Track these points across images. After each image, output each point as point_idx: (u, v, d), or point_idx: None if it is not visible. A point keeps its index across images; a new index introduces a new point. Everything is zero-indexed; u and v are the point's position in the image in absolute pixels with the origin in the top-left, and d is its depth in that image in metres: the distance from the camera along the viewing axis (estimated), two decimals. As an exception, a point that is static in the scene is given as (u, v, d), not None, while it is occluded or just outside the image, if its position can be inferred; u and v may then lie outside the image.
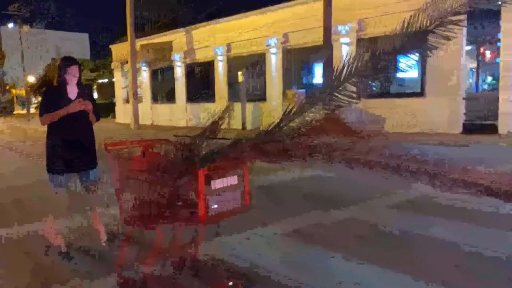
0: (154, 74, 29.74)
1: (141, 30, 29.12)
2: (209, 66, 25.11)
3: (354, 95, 2.79)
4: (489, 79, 19.11)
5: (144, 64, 29.01)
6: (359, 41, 18.07)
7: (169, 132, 17.54)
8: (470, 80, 19.91)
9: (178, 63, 26.97)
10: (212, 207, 3.11)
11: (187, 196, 3.40)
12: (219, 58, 24.20)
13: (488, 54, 18.69)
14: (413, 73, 16.51)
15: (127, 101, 30.55)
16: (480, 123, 15.74)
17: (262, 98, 22.08)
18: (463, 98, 16.01)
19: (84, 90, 5.08)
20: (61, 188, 4.93)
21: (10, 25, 50.51)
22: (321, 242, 4.95)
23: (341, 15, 17.50)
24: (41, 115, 4.83)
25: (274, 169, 8.61)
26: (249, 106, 21.52)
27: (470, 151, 11.58)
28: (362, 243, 4.96)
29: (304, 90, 19.54)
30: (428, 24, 2.51)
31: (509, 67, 15.12)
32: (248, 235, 5.18)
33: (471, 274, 4.05)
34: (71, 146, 4.82)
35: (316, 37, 17.65)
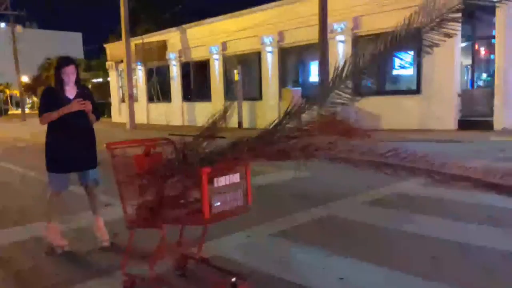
0: (149, 73, 29.68)
1: (136, 29, 29.13)
2: (205, 65, 25.08)
3: (351, 96, 2.84)
4: (484, 75, 19.14)
5: (139, 63, 28.97)
6: (355, 38, 18.10)
7: (166, 132, 17.60)
8: (465, 77, 19.98)
9: (174, 62, 26.93)
10: (215, 204, 3.14)
11: (190, 195, 3.46)
12: (215, 56, 24.19)
13: (482, 51, 18.75)
14: (409, 70, 16.61)
15: (123, 101, 30.48)
16: (476, 119, 15.84)
17: (258, 96, 22.14)
18: (458, 95, 16.13)
19: (84, 90, 5.10)
20: (60, 190, 4.97)
21: (2, 24, 50.13)
22: (303, 240, 5.01)
23: (337, 12, 17.54)
24: (40, 115, 4.86)
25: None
26: (245, 105, 21.53)
27: (463, 147, 11.66)
28: (342, 239, 5.06)
29: (300, 88, 19.56)
30: (428, 21, 2.56)
31: (504, 64, 15.26)
32: (236, 236, 5.19)
33: (447, 265, 4.19)
34: (70, 145, 4.83)
35: (311, 35, 17.67)
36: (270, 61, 21.52)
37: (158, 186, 3.36)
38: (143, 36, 28.67)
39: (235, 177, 3.26)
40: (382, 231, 5.27)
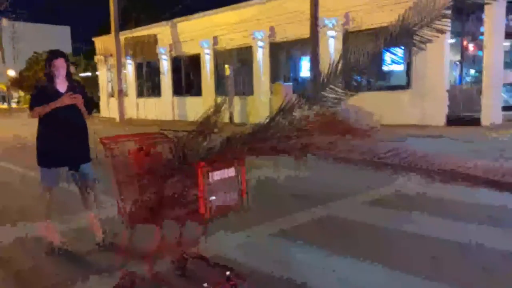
0: (139, 67, 29.52)
1: (125, 23, 28.94)
2: (195, 59, 24.92)
3: (343, 94, 2.87)
4: (472, 71, 19.29)
5: (129, 57, 28.75)
6: (346, 34, 18.15)
7: (156, 127, 17.50)
8: (454, 73, 20.11)
9: (164, 57, 26.75)
10: (211, 198, 3.15)
11: (190, 195, 3.46)
12: (206, 51, 24.06)
13: (471, 47, 18.87)
14: (399, 66, 16.66)
15: (112, 95, 30.31)
16: (464, 115, 16.01)
17: (249, 91, 22.10)
18: (447, 91, 16.26)
19: (75, 84, 5.07)
20: (51, 186, 4.96)
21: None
22: (303, 240, 5.03)
23: (328, 8, 17.55)
24: (30, 109, 4.86)
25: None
26: (237, 100, 21.52)
27: (459, 144, 11.74)
28: (342, 239, 5.10)
29: (291, 83, 19.58)
30: (422, 18, 2.58)
31: (492, 60, 15.42)
32: (236, 236, 5.22)
33: (447, 265, 4.24)
34: (61, 139, 4.81)
35: (303, 30, 17.69)
36: (261, 56, 21.48)
37: (158, 186, 3.37)
38: (133, 30, 28.50)
39: (230, 172, 3.29)
40: (382, 231, 5.31)
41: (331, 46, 18.39)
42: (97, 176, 5.14)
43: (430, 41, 2.60)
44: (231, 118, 20.62)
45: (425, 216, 5.81)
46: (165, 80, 27.06)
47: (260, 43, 21.32)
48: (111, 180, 3.58)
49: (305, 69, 20.27)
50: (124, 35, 27.14)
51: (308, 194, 7.13)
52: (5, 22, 45.78)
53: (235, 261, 4.36)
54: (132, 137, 3.75)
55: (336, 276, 4.09)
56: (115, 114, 26.24)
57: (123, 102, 25.67)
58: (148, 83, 28.65)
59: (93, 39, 33.33)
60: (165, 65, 26.93)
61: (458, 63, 19.13)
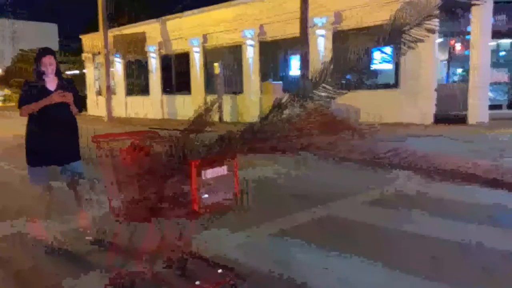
0: (128, 65, 29.34)
1: (113, 20, 28.73)
2: (185, 57, 24.85)
3: (335, 93, 2.91)
4: (459, 70, 19.46)
5: (117, 55, 28.53)
6: (336, 33, 18.22)
7: (145, 125, 17.46)
8: (441, 72, 20.28)
9: (153, 55, 26.61)
10: (203, 196, 3.19)
11: (179, 188, 3.46)
12: (195, 49, 24.00)
13: (458, 46, 19.04)
14: (387, 65, 16.60)
15: (100, 93, 30.11)
16: (451, 113, 16.20)
17: (239, 90, 22.09)
18: (434, 89, 16.43)
19: (65, 82, 5.08)
20: (41, 184, 4.96)
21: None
22: (304, 240, 5.06)
23: (318, 7, 17.61)
24: (19, 106, 4.85)
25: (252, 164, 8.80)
26: (226, 98, 21.47)
27: (455, 143, 11.88)
28: (342, 239, 5.13)
29: (280, 82, 19.62)
30: (414, 18, 2.62)
31: (479, 60, 15.62)
32: (236, 236, 5.24)
33: (447, 265, 4.28)
34: (50, 137, 4.81)
35: (292, 29, 17.71)
36: (251, 55, 21.48)
37: (148, 182, 3.38)
38: (121, 27, 28.31)
39: (223, 169, 3.32)
40: (382, 231, 5.35)
41: (321, 45, 18.47)
42: (81, 170, 5.14)
43: (421, 40, 2.64)
44: (220, 117, 20.57)
45: (425, 216, 5.83)
46: (154, 78, 26.90)
47: (250, 42, 21.33)
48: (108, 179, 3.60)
49: (294, 68, 20.30)
50: (113, 32, 26.95)
51: (308, 194, 7.15)
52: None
53: (235, 261, 4.38)
54: (125, 136, 3.78)
55: (336, 276, 4.13)
56: (103, 113, 26.06)
57: (111, 100, 25.50)
58: (137, 81, 28.47)
59: (80, 36, 33.00)
60: (154, 63, 26.77)
61: (445, 62, 19.31)
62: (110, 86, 25.82)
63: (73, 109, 4.95)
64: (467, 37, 16.56)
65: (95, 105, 31.31)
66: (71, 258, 4.78)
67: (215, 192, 3.30)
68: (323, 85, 2.91)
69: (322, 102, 2.93)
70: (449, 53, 18.54)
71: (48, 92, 4.80)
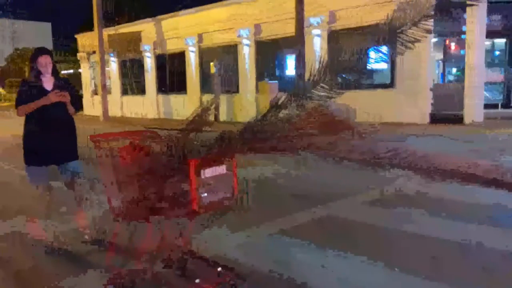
0: (123, 65, 29.26)
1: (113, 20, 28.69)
2: (180, 57, 24.76)
3: (333, 92, 2.92)
4: (454, 70, 19.53)
5: (112, 55, 28.43)
6: (331, 33, 18.23)
7: (141, 125, 17.43)
8: (437, 72, 20.34)
9: (148, 54, 26.50)
10: (203, 195, 3.20)
11: (178, 188, 3.47)
12: (191, 48, 23.91)
13: (453, 46, 19.10)
14: (383, 65, 16.72)
15: (95, 93, 30.00)
16: (447, 113, 16.25)
17: (235, 89, 22.06)
18: (430, 89, 16.47)
19: (62, 81, 5.08)
20: (40, 183, 4.95)
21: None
22: (303, 240, 5.07)
23: (313, 6, 17.61)
24: (16, 106, 4.85)
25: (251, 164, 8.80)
26: (222, 98, 21.44)
27: (454, 142, 11.89)
28: (342, 239, 5.13)
29: (276, 81, 19.61)
30: (411, 18, 2.63)
31: (474, 59, 15.68)
32: (236, 236, 5.24)
33: (447, 265, 4.30)
34: (48, 137, 4.81)
35: (288, 29, 17.69)
36: (247, 54, 21.45)
37: (158, 186, 3.38)
38: (117, 26, 28.23)
39: (222, 168, 3.33)
40: (382, 231, 5.36)
41: (317, 44, 18.48)
42: (79, 170, 5.13)
43: (418, 40, 2.65)
44: (216, 116, 20.53)
45: (425, 216, 5.85)
46: (149, 77, 26.80)
47: (246, 41, 21.29)
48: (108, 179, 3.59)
49: (290, 67, 20.29)
50: (108, 31, 26.87)
51: (308, 194, 7.15)
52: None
53: (235, 261, 4.39)
54: (124, 135, 3.78)
55: (336, 276, 4.14)
56: (98, 112, 25.99)
57: (106, 100, 25.42)
58: (132, 81, 28.40)
59: (75, 36, 32.86)
60: (149, 63, 26.66)
61: (440, 61, 19.38)
62: (105, 85, 25.73)
63: (70, 109, 4.96)
64: (462, 36, 16.61)
65: (91, 105, 31.19)
66: (71, 258, 4.77)
67: (214, 192, 3.32)
68: (322, 84, 2.92)
69: (320, 101, 2.94)
70: (444, 52, 18.59)
71: (45, 92, 4.80)
